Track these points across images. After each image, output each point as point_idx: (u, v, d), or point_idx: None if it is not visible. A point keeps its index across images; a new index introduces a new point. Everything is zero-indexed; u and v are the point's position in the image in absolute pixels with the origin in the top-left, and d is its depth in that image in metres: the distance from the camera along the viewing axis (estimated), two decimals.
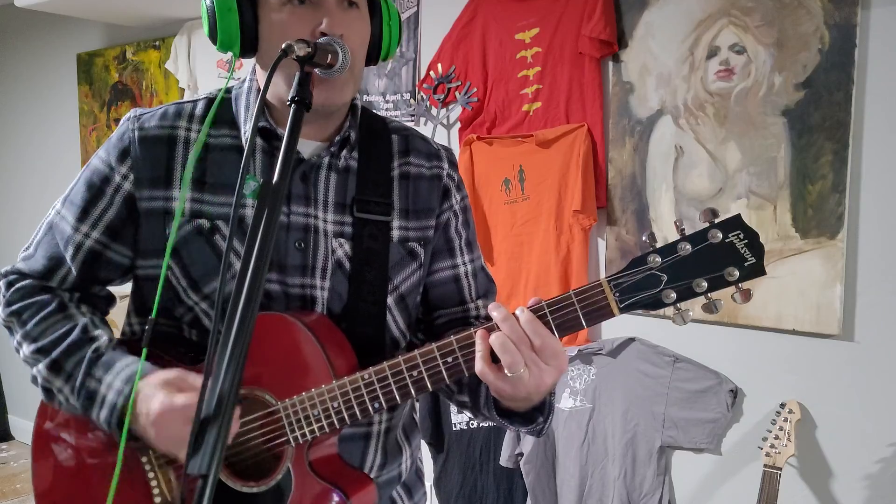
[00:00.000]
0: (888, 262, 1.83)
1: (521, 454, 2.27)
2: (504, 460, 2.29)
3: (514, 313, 0.85)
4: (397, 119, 2.66)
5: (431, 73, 2.55)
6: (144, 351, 0.93)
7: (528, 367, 0.84)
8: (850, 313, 1.88)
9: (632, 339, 2.19)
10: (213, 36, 0.96)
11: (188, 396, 0.88)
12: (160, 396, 0.89)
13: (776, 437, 1.87)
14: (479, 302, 1.13)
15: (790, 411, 1.89)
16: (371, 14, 1.01)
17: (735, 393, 2.04)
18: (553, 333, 0.85)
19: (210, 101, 1.05)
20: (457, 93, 2.49)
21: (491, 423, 2.25)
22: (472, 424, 2.38)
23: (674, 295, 0.82)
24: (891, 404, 1.84)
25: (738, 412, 2.05)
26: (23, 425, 4.36)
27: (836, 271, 1.87)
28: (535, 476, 2.26)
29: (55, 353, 0.97)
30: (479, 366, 0.85)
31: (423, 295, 1.11)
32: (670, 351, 2.12)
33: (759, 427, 2.00)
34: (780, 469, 1.84)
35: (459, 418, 2.39)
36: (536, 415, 0.94)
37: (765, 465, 1.86)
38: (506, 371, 0.84)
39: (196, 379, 0.92)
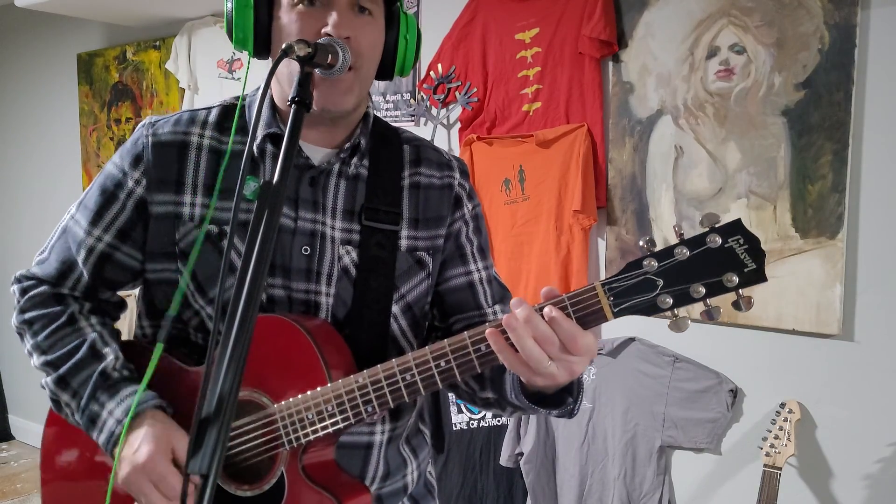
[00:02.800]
0: (888, 262, 1.83)
1: (521, 454, 2.27)
2: (504, 460, 2.29)
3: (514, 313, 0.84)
4: (395, 118, 2.66)
5: (431, 73, 2.55)
6: (159, 346, 0.94)
7: (556, 361, 0.82)
8: (849, 313, 1.88)
9: (632, 339, 2.19)
10: (230, 32, 0.97)
11: (167, 468, 0.90)
12: (154, 446, 0.91)
13: (776, 437, 1.87)
14: (497, 307, 1.12)
15: (790, 411, 1.89)
16: (389, 26, 1.01)
17: (735, 393, 2.04)
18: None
19: (224, 108, 1.05)
20: (457, 93, 2.49)
21: (492, 423, 2.23)
22: (472, 424, 2.38)
23: (670, 300, 0.79)
24: (891, 404, 1.84)
25: (738, 412, 2.06)
26: (23, 425, 4.36)
27: (835, 271, 1.87)
28: (535, 476, 2.26)
29: (63, 370, 0.99)
30: (511, 361, 0.83)
31: (439, 302, 1.11)
32: (670, 351, 2.12)
33: (758, 427, 2.00)
34: (780, 469, 1.84)
35: (459, 418, 2.39)
36: (566, 396, 0.93)
37: (764, 465, 1.86)
38: (532, 366, 0.82)
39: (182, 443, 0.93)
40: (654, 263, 0.80)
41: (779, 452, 1.85)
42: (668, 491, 2.14)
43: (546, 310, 0.81)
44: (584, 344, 0.81)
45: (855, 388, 1.89)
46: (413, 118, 2.66)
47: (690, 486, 2.14)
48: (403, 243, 1.04)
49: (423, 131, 2.61)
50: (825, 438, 1.94)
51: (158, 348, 0.95)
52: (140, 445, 0.91)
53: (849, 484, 1.91)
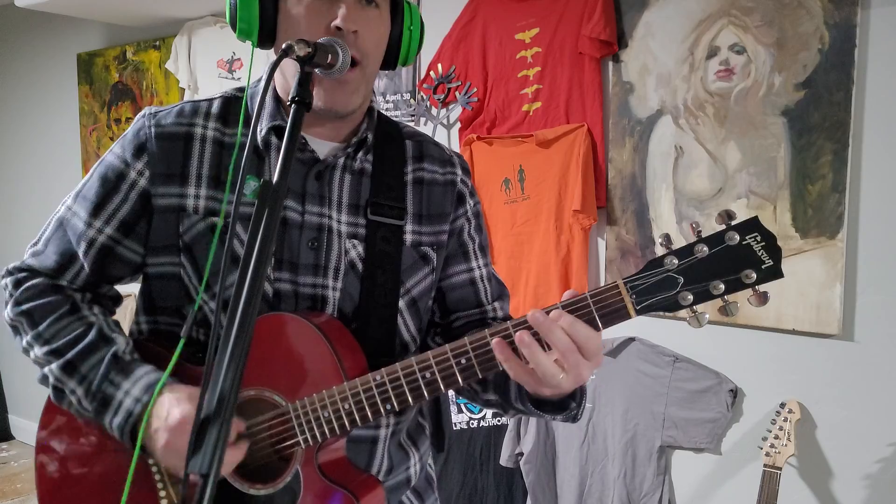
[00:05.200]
0: (888, 262, 1.83)
1: (521, 454, 2.27)
2: (504, 460, 2.29)
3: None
4: (395, 117, 2.66)
5: (431, 73, 2.55)
6: (182, 341, 0.92)
7: (566, 373, 0.83)
8: (849, 313, 1.88)
9: (632, 339, 2.19)
10: (233, 22, 0.96)
11: None
12: (184, 406, 0.89)
13: (776, 437, 1.87)
14: (496, 304, 1.13)
15: (790, 411, 1.89)
16: (393, 17, 1.01)
17: (735, 393, 2.04)
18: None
19: (225, 99, 1.05)
20: (457, 93, 2.49)
21: (492, 423, 2.24)
22: (472, 424, 2.38)
23: (690, 297, 0.81)
24: (891, 404, 1.84)
25: (738, 412, 2.06)
26: (23, 425, 4.36)
27: (835, 271, 1.87)
28: (535, 476, 2.26)
29: (70, 355, 0.96)
30: (515, 371, 0.85)
31: (440, 299, 1.11)
32: (670, 351, 2.12)
33: (758, 427, 2.00)
34: (780, 469, 1.84)
35: (459, 418, 2.39)
36: (569, 401, 0.94)
37: (765, 465, 1.86)
38: (540, 377, 0.84)
39: None
40: (675, 261, 0.81)
41: (779, 452, 1.85)
42: (668, 491, 2.14)
43: (553, 314, 0.82)
44: (593, 345, 0.83)
45: (855, 388, 1.89)
46: (413, 118, 2.66)
47: (690, 486, 2.14)
48: (408, 238, 1.05)
49: (423, 131, 2.61)
50: (825, 438, 1.94)
51: (180, 343, 0.94)
52: (170, 411, 0.90)
53: (849, 484, 1.91)
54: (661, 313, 2.10)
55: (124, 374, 0.95)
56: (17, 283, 1.02)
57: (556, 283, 2.26)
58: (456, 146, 2.55)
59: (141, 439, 0.92)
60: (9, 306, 1.02)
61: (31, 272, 1.03)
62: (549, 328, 0.82)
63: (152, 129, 1.01)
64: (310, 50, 0.84)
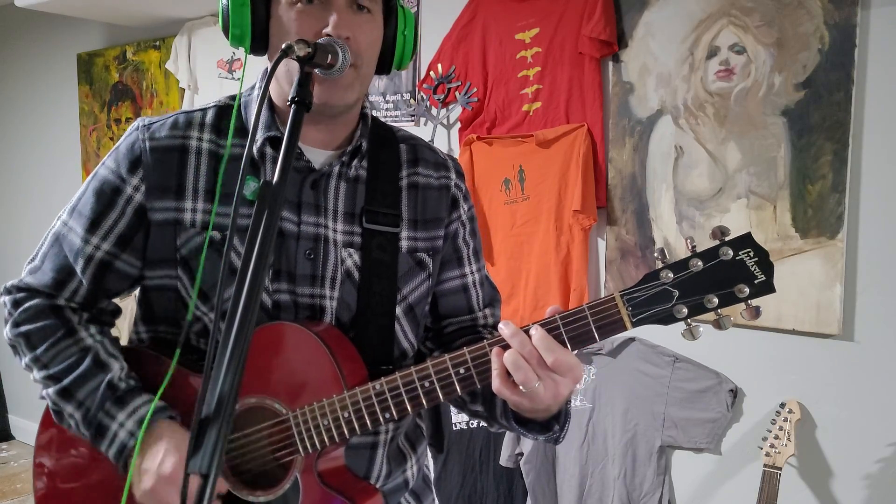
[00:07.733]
0: (888, 262, 1.83)
1: (521, 454, 2.27)
2: (504, 460, 2.29)
3: (526, 330, 0.86)
4: (395, 118, 2.66)
5: (431, 73, 2.55)
6: (178, 352, 0.93)
7: (542, 380, 0.84)
8: (849, 313, 1.88)
9: (632, 339, 2.19)
10: (226, 29, 0.96)
11: (195, 478, 0.90)
12: (175, 459, 0.90)
13: (776, 437, 1.87)
14: (487, 311, 1.14)
15: (790, 411, 1.89)
16: (386, 21, 1.00)
17: (735, 393, 2.04)
18: (566, 347, 0.86)
19: (219, 108, 1.04)
20: (457, 93, 2.49)
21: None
22: (472, 424, 2.38)
23: (685, 310, 0.83)
24: (891, 404, 1.84)
25: (738, 412, 2.05)
26: (23, 425, 4.36)
27: (835, 271, 1.87)
28: (535, 476, 2.26)
29: (66, 382, 0.97)
30: (496, 383, 0.86)
31: (432, 304, 1.11)
32: (670, 351, 2.12)
33: (758, 427, 2.00)
34: (780, 469, 1.84)
35: (459, 418, 2.39)
36: (552, 423, 0.95)
37: (765, 465, 1.86)
38: (520, 388, 0.85)
39: None
40: (670, 275, 0.83)
41: (779, 452, 1.85)
42: (668, 491, 2.14)
43: (532, 329, 0.86)
44: (565, 362, 0.84)
45: (855, 388, 1.89)
46: (413, 118, 2.66)
47: (690, 486, 2.14)
48: (404, 245, 1.05)
49: (423, 131, 2.61)
50: (825, 438, 1.93)
51: (176, 354, 0.94)
52: (164, 457, 0.90)
53: (849, 484, 1.91)
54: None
55: (120, 404, 0.95)
56: (16, 304, 1.01)
57: (556, 283, 2.26)
58: (456, 146, 2.55)
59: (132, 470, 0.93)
60: (8, 326, 1.01)
61: (30, 291, 1.02)
62: (514, 338, 0.85)
63: (146, 143, 1.00)
64: (310, 50, 0.83)
